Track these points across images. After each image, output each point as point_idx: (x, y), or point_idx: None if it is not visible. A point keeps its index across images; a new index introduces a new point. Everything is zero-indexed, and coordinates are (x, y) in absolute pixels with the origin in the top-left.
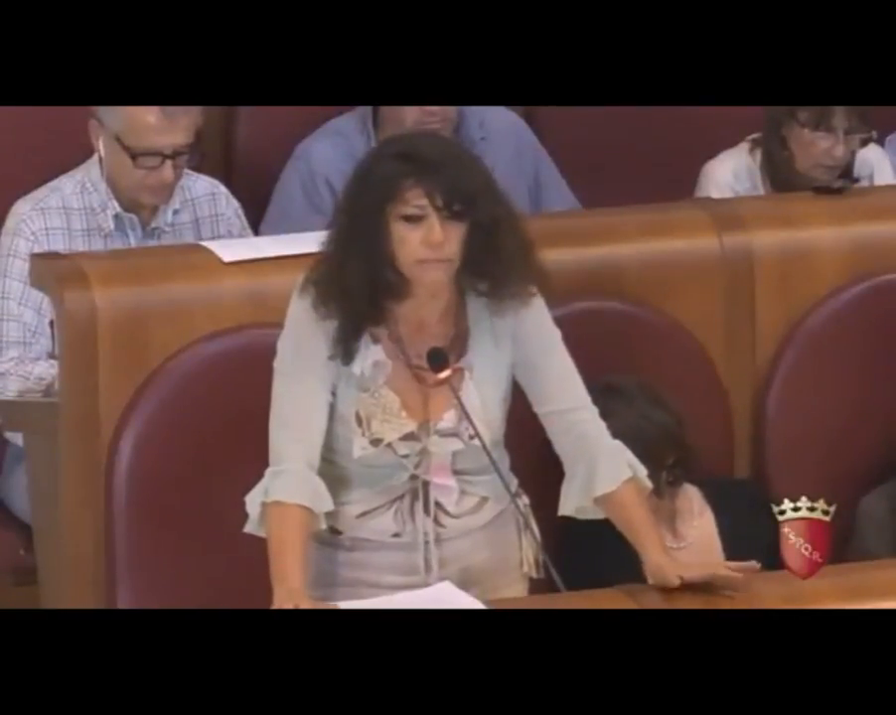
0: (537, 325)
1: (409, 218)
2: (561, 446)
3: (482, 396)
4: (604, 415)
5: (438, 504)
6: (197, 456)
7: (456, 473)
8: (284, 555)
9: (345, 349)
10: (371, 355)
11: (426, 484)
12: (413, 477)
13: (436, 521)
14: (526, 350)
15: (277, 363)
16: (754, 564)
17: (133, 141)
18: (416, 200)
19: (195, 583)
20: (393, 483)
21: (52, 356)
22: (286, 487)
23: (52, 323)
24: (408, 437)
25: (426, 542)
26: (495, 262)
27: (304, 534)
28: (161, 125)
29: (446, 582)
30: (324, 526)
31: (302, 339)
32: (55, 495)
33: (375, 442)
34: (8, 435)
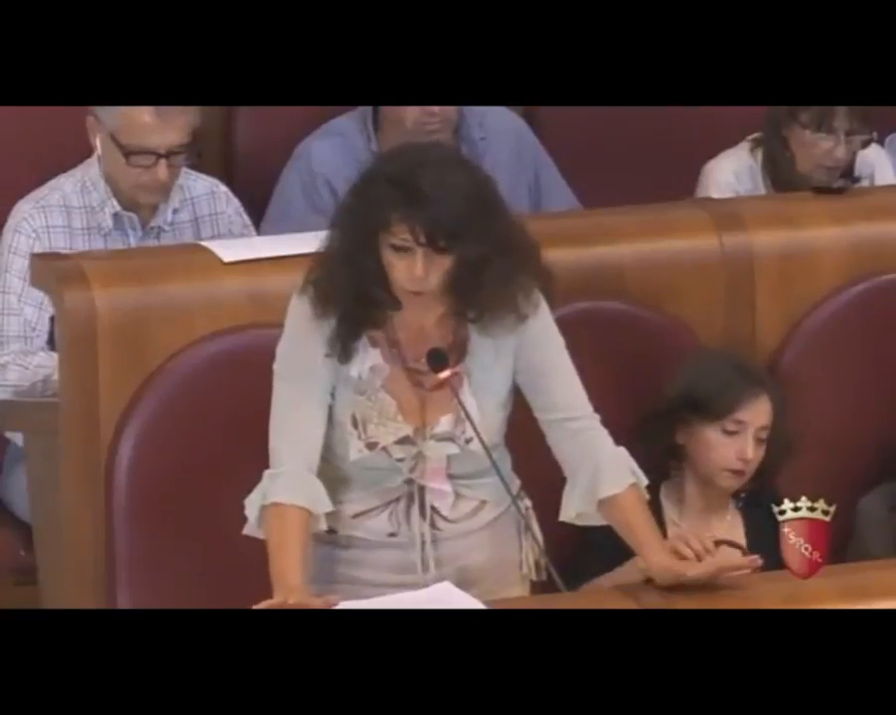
0: (542, 333)
1: (396, 248)
2: (563, 452)
3: (478, 402)
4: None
5: (434, 509)
6: (197, 456)
7: (451, 477)
8: (283, 556)
9: (342, 347)
10: (369, 358)
11: (422, 488)
12: (409, 481)
13: (432, 525)
14: (530, 358)
15: (276, 366)
16: (756, 559)
17: (128, 139)
18: (402, 233)
19: (195, 583)
20: (389, 485)
21: (51, 348)
22: (284, 488)
23: (52, 318)
24: (404, 441)
25: (422, 543)
26: (480, 295)
27: (303, 535)
28: (155, 124)
29: (446, 582)
30: (324, 527)
31: (300, 339)
32: (55, 495)
33: (371, 445)
34: (8, 435)
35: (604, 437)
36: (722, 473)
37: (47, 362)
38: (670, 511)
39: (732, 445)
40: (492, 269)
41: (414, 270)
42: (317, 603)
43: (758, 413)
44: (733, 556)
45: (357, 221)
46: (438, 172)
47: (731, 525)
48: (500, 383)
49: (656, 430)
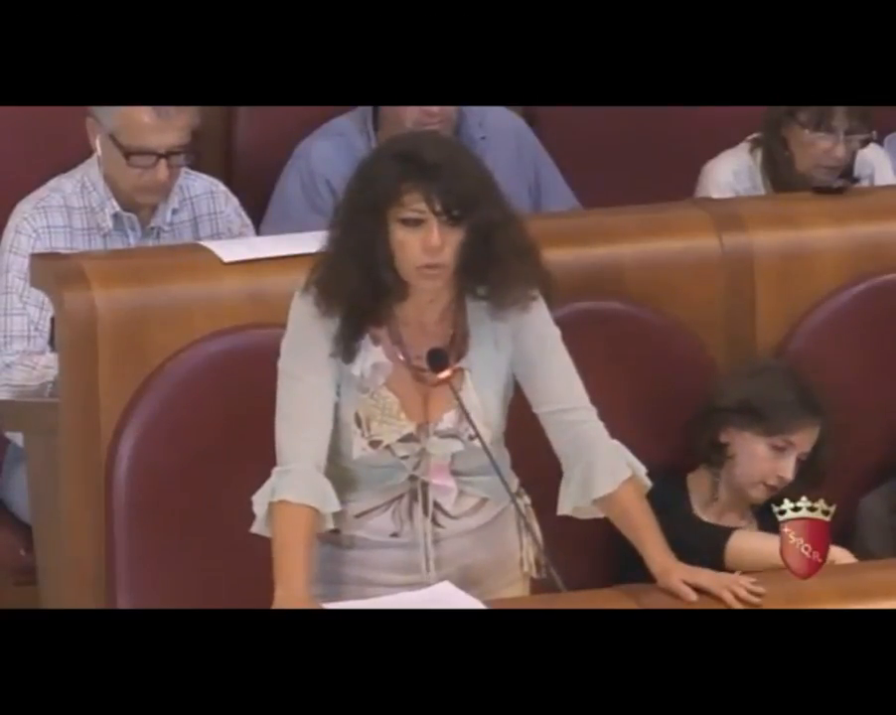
0: (537, 324)
1: (408, 222)
2: (560, 446)
3: (481, 396)
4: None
5: (437, 505)
6: (197, 456)
7: (455, 473)
8: (287, 555)
9: (346, 347)
10: (371, 356)
11: (425, 485)
12: (412, 477)
13: (434, 522)
14: (525, 349)
15: (281, 364)
16: (759, 601)
17: (127, 140)
18: (415, 204)
19: (195, 583)
20: (392, 483)
21: (52, 349)
22: (293, 486)
23: (52, 319)
24: (407, 438)
25: (425, 543)
26: (492, 267)
27: (309, 534)
28: (155, 125)
29: (446, 582)
30: (331, 527)
31: (305, 338)
32: (55, 495)
33: (375, 443)
34: (8, 435)
35: (599, 430)
36: (757, 485)
37: (54, 364)
38: (697, 510)
39: (775, 461)
40: (503, 240)
41: (430, 240)
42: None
43: (807, 438)
44: (741, 582)
45: (364, 203)
46: (443, 147)
47: (747, 528)
48: (501, 376)
49: (704, 423)
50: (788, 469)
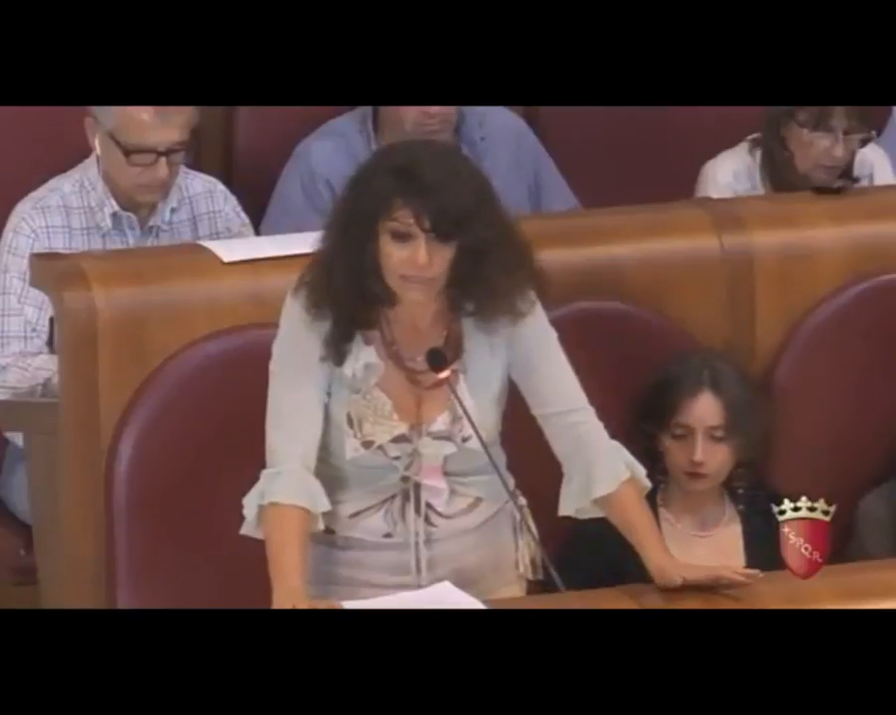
0: (534, 327)
1: (397, 236)
2: (559, 447)
3: (476, 399)
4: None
5: (429, 505)
6: (197, 456)
7: (447, 474)
8: (283, 556)
9: (336, 350)
10: (362, 356)
11: (417, 485)
12: (404, 478)
13: (427, 522)
14: (523, 352)
15: (272, 365)
16: (757, 572)
17: (127, 138)
18: (405, 219)
19: (195, 583)
20: (385, 483)
21: (51, 350)
22: (283, 488)
23: (51, 319)
24: (400, 439)
25: (417, 543)
26: (481, 285)
27: (302, 535)
28: (154, 122)
29: (446, 582)
30: (321, 527)
31: (296, 341)
32: (55, 495)
33: (367, 444)
34: (8, 435)
35: (599, 431)
36: (682, 477)
37: (47, 365)
38: (667, 514)
39: (683, 448)
40: (494, 259)
41: (417, 257)
42: (321, 606)
43: (701, 414)
44: (733, 567)
45: (355, 213)
46: (440, 161)
47: (727, 528)
48: (495, 379)
49: (639, 439)
50: (694, 451)
